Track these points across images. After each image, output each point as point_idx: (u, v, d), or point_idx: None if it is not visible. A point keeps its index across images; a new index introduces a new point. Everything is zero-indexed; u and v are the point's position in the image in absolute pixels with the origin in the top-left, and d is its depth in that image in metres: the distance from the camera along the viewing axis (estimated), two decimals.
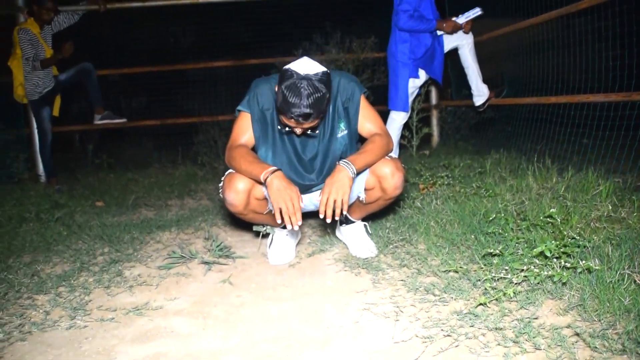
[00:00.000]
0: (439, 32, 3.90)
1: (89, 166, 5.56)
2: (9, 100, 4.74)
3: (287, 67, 1.94)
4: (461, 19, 3.84)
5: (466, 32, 3.95)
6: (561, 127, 3.58)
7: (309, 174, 2.24)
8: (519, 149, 4.02)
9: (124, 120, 5.13)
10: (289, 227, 1.92)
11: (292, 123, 1.95)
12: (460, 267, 1.97)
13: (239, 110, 2.18)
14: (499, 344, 1.46)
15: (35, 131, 4.83)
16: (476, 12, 3.84)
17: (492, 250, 1.97)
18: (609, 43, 3.18)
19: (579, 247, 1.90)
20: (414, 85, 3.90)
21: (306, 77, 1.87)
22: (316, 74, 1.90)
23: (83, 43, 4.70)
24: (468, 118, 5.36)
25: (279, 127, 2.11)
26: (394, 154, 3.83)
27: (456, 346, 1.48)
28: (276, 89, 1.95)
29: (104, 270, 2.38)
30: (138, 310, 1.92)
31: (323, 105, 1.92)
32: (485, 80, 4.21)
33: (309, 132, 2.04)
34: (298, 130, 2.01)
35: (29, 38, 4.42)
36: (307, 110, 1.87)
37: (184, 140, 6.15)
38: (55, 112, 4.81)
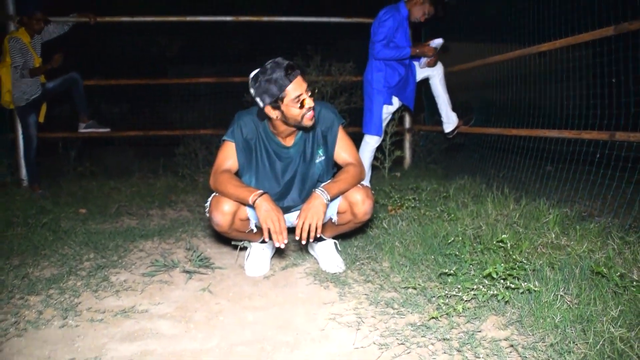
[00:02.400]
0: (420, 63, 4.18)
1: (72, 173, 5.68)
2: None
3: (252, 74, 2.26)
4: (433, 44, 4.13)
5: (431, 66, 4.24)
6: (522, 157, 3.86)
7: (288, 196, 2.46)
8: (484, 174, 4.30)
9: (107, 130, 5.29)
10: (276, 244, 2.14)
11: (298, 89, 2.16)
12: (419, 285, 2.20)
13: (224, 140, 2.39)
14: (445, 352, 1.69)
15: (20, 137, 4.96)
16: (439, 42, 4.14)
17: (447, 270, 2.20)
18: (569, 82, 3.46)
19: (524, 270, 2.14)
20: (387, 111, 4.15)
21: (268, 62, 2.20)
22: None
23: (70, 51, 4.85)
24: (439, 142, 5.63)
25: (290, 108, 2.22)
26: (367, 175, 4.09)
27: (408, 353, 1.70)
28: (265, 81, 2.18)
29: (91, 275, 2.55)
30: (125, 312, 2.10)
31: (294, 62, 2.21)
32: (455, 109, 4.49)
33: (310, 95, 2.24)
34: (307, 98, 2.20)
35: (19, 47, 4.57)
36: (289, 62, 2.16)
37: (165, 150, 6.31)
38: (41, 119, 4.94)
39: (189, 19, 5.29)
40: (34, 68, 4.65)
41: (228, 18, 5.32)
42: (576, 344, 1.62)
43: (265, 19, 5.37)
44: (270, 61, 2.19)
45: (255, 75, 2.22)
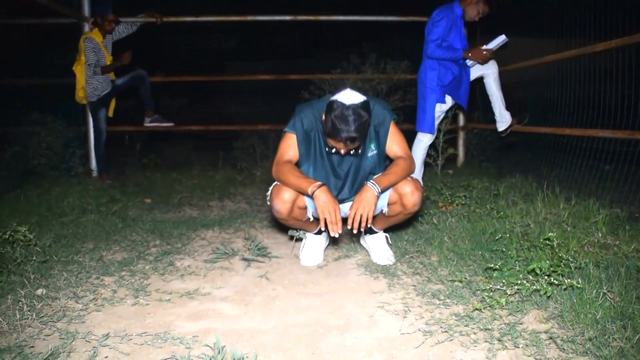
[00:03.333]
0: (468, 62, 4.23)
1: (137, 164, 6.02)
2: (71, 101, 5.21)
3: (333, 98, 2.33)
4: (489, 46, 4.15)
5: (482, 64, 4.25)
6: (577, 156, 3.85)
7: (342, 188, 2.62)
8: (536, 173, 4.31)
9: (171, 124, 5.57)
10: (332, 233, 2.29)
11: (339, 146, 2.33)
12: (465, 278, 2.30)
13: (285, 132, 2.56)
14: (486, 341, 1.79)
15: (92, 130, 5.30)
16: (502, 39, 4.14)
17: (493, 265, 2.29)
18: (621, 82, 3.44)
19: (569, 267, 2.21)
20: (440, 109, 4.23)
21: (351, 107, 2.26)
22: (359, 103, 2.28)
23: (137, 49, 5.14)
24: (493, 140, 5.64)
25: (326, 149, 2.48)
26: (419, 172, 4.19)
27: (450, 340, 1.81)
28: (323, 118, 2.36)
29: (157, 260, 2.77)
30: (190, 294, 2.30)
31: (365, 129, 2.32)
32: (508, 107, 4.51)
33: (351, 152, 2.43)
34: (343, 151, 2.38)
35: (92, 46, 4.89)
36: (354, 135, 2.25)
37: (222, 143, 6.57)
38: (110, 113, 5.28)
39: (249, 18, 5.49)
40: (105, 66, 4.97)
41: (287, 17, 5.50)
42: (615, 339, 1.68)
43: (322, 17, 5.52)
44: (345, 104, 2.27)
45: (332, 101, 2.32)
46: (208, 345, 1.79)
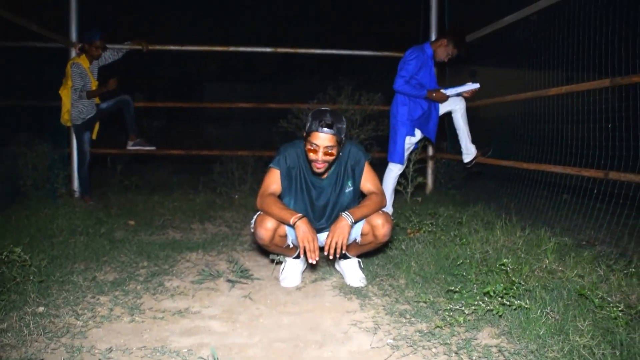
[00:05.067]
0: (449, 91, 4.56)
1: (118, 185, 6.20)
2: (56, 124, 5.39)
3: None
4: (450, 92, 4.49)
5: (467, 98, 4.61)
6: (536, 187, 4.20)
7: (320, 219, 2.90)
8: (497, 203, 4.66)
9: (153, 147, 5.79)
10: (310, 260, 2.56)
11: (316, 139, 2.63)
12: (429, 299, 2.58)
13: (270, 167, 2.84)
14: (445, 354, 2.06)
15: (75, 152, 5.49)
16: (474, 87, 4.49)
17: (453, 288, 2.57)
18: (574, 123, 3.81)
19: (520, 290, 2.50)
20: (410, 142, 4.56)
21: (328, 109, 2.67)
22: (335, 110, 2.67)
23: (120, 73, 5.36)
24: (460, 170, 5.99)
25: (307, 147, 2.72)
26: (389, 200, 4.50)
27: (414, 353, 2.08)
28: (310, 115, 2.71)
29: (147, 280, 2.99)
30: (181, 313, 2.53)
31: (341, 126, 2.65)
32: (475, 140, 4.86)
33: (327, 156, 2.67)
34: (321, 149, 2.64)
35: (79, 71, 5.11)
36: (329, 121, 2.60)
37: (201, 167, 6.79)
38: (94, 136, 5.47)
39: (232, 49, 5.77)
40: (91, 90, 5.18)
41: (267, 49, 5.79)
42: (552, 350, 1.98)
43: (301, 50, 5.83)
44: (326, 107, 2.68)
45: (315, 109, 2.72)
46: (202, 358, 2.02)
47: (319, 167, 2.70)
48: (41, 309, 2.48)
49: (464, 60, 4.67)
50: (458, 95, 4.54)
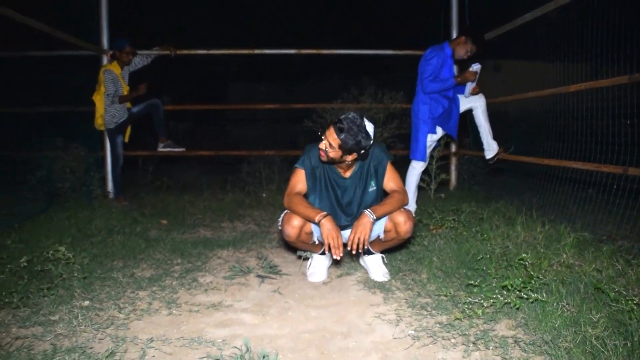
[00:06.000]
0: (465, 92, 4.65)
1: (150, 186, 6.42)
2: (90, 128, 5.63)
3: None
4: (474, 67, 4.58)
5: (475, 94, 4.69)
6: (559, 183, 4.26)
7: (344, 217, 3.05)
8: (519, 198, 4.73)
9: (183, 149, 5.98)
10: (334, 256, 2.71)
11: (327, 130, 2.82)
12: (449, 293, 2.70)
13: (296, 167, 2.99)
14: (463, 344, 2.19)
15: (109, 155, 5.72)
16: (477, 67, 4.57)
17: (473, 282, 2.69)
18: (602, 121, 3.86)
19: (538, 284, 2.61)
20: (431, 139, 4.66)
21: (349, 115, 2.82)
22: (359, 119, 2.82)
23: (149, 79, 5.56)
24: (483, 166, 6.06)
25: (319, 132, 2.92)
26: (413, 197, 4.61)
27: (434, 344, 2.21)
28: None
29: (182, 276, 3.17)
30: (215, 306, 2.69)
31: (349, 139, 2.76)
32: (496, 137, 4.94)
33: (328, 150, 2.82)
34: (327, 142, 2.80)
35: (111, 78, 5.33)
36: (343, 125, 2.76)
37: (229, 167, 6.98)
38: (126, 139, 5.69)
39: (256, 51, 5.93)
40: (122, 95, 5.39)
41: (291, 51, 5.94)
42: (566, 341, 2.08)
43: (325, 51, 5.96)
44: (356, 112, 2.84)
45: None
46: (236, 347, 2.18)
47: (322, 155, 2.87)
48: (86, 302, 2.67)
49: (482, 57, 4.73)
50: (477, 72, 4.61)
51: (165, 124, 5.93)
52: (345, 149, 2.79)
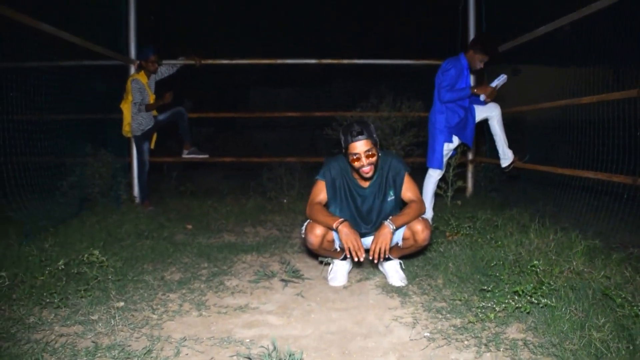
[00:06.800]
0: (481, 98, 4.78)
1: (174, 192, 6.64)
2: (118, 136, 5.85)
3: None
4: (492, 84, 4.72)
5: (489, 100, 4.82)
6: (568, 192, 4.37)
7: (365, 225, 3.21)
8: (534, 206, 4.84)
9: (206, 156, 6.18)
10: (355, 259, 2.88)
11: (354, 149, 2.97)
12: (463, 298, 2.84)
13: (317, 179, 3.16)
14: (475, 346, 2.33)
15: (135, 161, 5.94)
16: (503, 78, 4.71)
17: (486, 287, 2.83)
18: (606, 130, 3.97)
19: (548, 289, 2.74)
20: (448, 148, 4.80)
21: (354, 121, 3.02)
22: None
23: (174, 87, 5.77)
24: (499, 173, 6.17)
25: (350, 159, 3.04)
26: (430, 204, 4.75)
27: (448, 345, 2.36)
28: (342, 133, 3.05)
29: (209, 280, 3.35)
30: (242, 308, 2.87)
31: (369, 128, 2.98)
32: (512, 145, 5.06)
33: (369, 159, 2.98)
34: (363, 154, 2.96)
35: (139, 87, 5.54)
36: (359, 129, 2.94)
37: (251, 173, 7.17)
38: (152, 146, 5.91)
39: (279, 61, 6.13)
40: (149, 104, 5.60)
41: (312, 61, 6.13)
42: (572, 344, 2.22)
43: (345, 61, 6.13)
44: (354, 120, 2.98)
45: (344, 126, 3.02)
46: (263, 346, 2.35)
47: (367, 171, 3.01)
48: (121, 304, 2.86)
49: (498, 61, 4.85)
50: (497, 87, 4.73)
51: (190, 131, 6.14)
52: (375, 142, 3.01)
